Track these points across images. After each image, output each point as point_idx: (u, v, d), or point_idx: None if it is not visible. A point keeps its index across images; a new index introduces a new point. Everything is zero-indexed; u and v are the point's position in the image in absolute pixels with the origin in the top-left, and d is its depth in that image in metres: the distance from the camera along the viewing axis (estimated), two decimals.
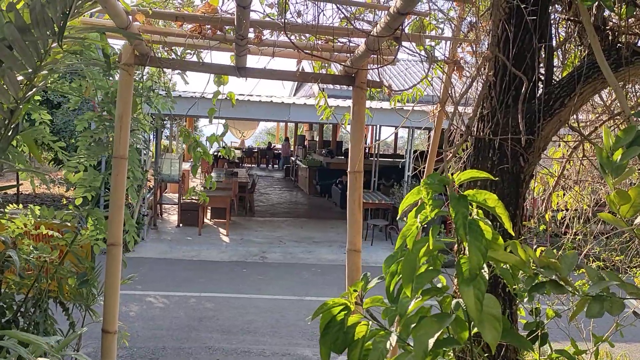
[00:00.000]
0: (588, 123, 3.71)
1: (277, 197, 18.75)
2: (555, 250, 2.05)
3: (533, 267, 1.71)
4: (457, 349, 2.61)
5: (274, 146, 30.99)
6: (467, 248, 1.60)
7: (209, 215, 13.67)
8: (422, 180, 1.65)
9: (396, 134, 26.36)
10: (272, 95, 13.08)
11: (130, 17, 2.90)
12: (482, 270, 1.60)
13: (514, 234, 1.76)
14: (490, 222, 1.66)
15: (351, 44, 3.26)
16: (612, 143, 1.60)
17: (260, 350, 6.23)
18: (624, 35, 2.68)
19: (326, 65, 3.94)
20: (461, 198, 1.61)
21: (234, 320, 7.15)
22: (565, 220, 4.30)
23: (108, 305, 3.45)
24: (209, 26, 3.06)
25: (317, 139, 24.53)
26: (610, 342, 2.50)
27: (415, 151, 12.55)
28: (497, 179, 2.67)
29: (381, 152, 23.54)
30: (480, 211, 1.75)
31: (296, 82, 23.18)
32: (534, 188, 4.35)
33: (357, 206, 3.59)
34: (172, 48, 3.62)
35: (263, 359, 6.03)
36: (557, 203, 4.34)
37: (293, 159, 24.08)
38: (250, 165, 27.62)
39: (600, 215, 1.63)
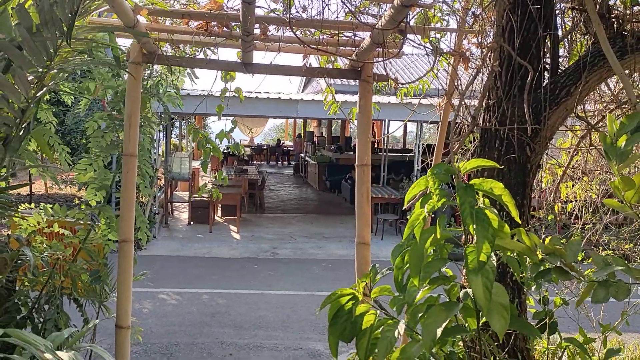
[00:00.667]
0: (596, 112, 3.70)
1: (287, 193, 18.79)
2: (564, 240, 2.06)
3: (540, 255, 1.72)
4: (467, 338, 2.63)
5: (283, 143, 31.02)
6: (474, 237, 1.61)
7: (219, 212, 13.73)
8: (428, 170, 1.66)
9: (405, 129, 26.31)
10: (280, 91, 13.11)
11: (137, 15, 2.93)
12: (490, 259, 1.62)
13: (520, 222, 1.77)
14: (496, 211, 1.68)
15: (356, 38, 3.27)
16: (617, 129, 1.61)
17: (273, 345, 6.27)
18: (629, 23, 2.68)
19: (333, 59, 3.96)
20: (468, 187, 1.62)
21: (245, 316, 7.20)
22: (574, 211, 4.29)
23: (121, 301, 3.49)
24: (215, 23, 3.09)
25: (326, 135, 24.52)
26: (617, 331, 2.50)
27: (424, 145, 12.54)
28: (503, 168, 2.68)
29: (391, 147, 23.50)
30: (486, 200, 1.77)
31: (304, 78, 23.20)
32: (543, 179, 4.35)
33: (365, 199, 3.60)
34: (180, 45, 3.65)
35: (275, 353, 6.07)
36: (567, 194, 4.33)
37: (302, 155, 24.11)
38: (259, 163, 27.68)
39: (606, 202, 1.64)
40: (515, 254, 1.77)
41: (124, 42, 4.18)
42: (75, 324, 3.72)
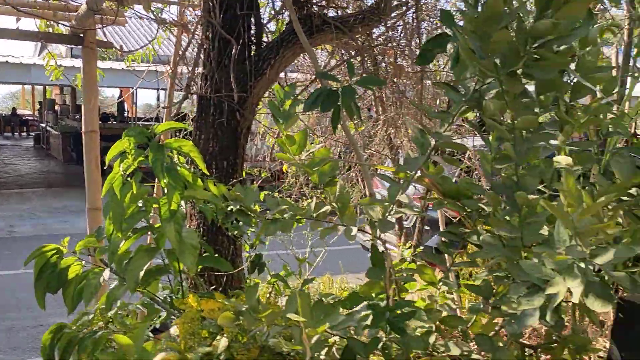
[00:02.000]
0: (306, 82, 4.25)
1: (26, 167, 17.19)
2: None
3: (227, 203, 2.04)
4: (191, 286, 2.91)
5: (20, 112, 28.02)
6: (165, 189, 1.87)
7: None
8: (124, 132, 1.85)
9: (158, 97, 25.76)
10: (9, 54, 11.85)
11: None
12: (180, 207, 1.89)
13: (208, 174, 2.07)
14: (189, 167, 1.96)
15: (74, 3, 3.26)
16: (281, 97, 1.98)
17: (8, 327, 5.90)
18: (318, 7, 3.17)
19: (54, 23, 3.85)
20: (159, 147, 1.86)
21: None
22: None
23: None
24: None
25: (70, 103, 22.78)
26: (309, 262, 3.02)
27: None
28: (216, 130, 2.99)
29: (144, 116, 22.82)
30: (182, 158, 2.03)
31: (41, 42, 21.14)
32: (270, 142, 4.85)
33: (94, 166, 3.65)
34: None
35: (11, 334, 5.73)
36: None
37: (43, 125, 22.11)
38: None
39: (277, 155, 2.02)
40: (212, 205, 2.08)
41: None
42: None
